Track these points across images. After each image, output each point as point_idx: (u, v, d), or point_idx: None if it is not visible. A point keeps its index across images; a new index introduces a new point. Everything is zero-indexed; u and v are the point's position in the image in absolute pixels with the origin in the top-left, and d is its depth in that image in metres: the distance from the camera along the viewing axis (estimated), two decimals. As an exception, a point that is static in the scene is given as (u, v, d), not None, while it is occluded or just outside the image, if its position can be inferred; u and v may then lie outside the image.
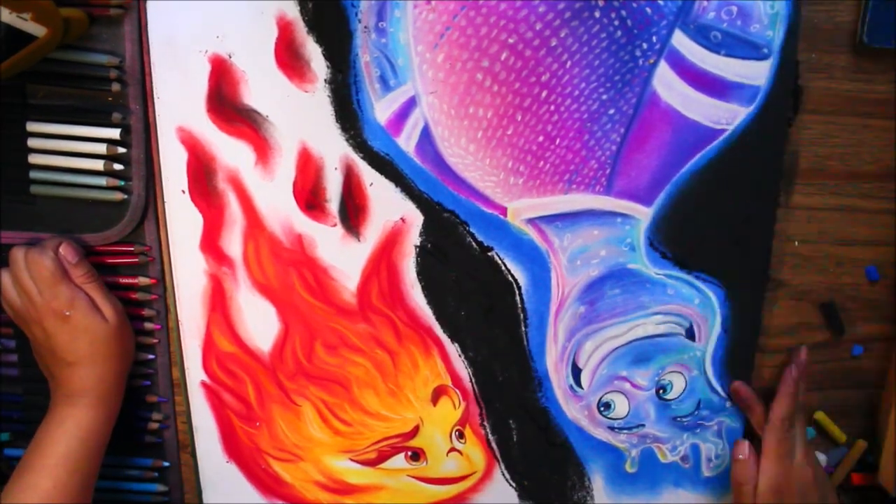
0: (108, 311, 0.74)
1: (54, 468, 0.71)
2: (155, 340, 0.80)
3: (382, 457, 0.84)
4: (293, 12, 0.70)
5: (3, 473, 0.80)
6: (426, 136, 0.73)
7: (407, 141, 0.73)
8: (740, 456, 0.79)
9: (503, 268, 0.78)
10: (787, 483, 0.76)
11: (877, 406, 0.86)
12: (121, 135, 0.73)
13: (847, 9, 0.75)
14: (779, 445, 0.76)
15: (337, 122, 0.73)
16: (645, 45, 0.71)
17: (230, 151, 0.74)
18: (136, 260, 0.77)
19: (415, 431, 0.83)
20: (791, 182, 0.79)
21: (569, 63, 0.71)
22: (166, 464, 0.84)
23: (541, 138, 0.74)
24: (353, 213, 0.76)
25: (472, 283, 0.78)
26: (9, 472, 0.73)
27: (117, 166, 0.74)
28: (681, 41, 0.71)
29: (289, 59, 0.71)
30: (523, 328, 0.80)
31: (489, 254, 0.77)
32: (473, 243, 0.77)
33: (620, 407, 0.83)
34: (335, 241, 0.76)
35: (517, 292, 0.78)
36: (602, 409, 0.82)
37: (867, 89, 0.77)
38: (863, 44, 0.75)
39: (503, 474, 0.85)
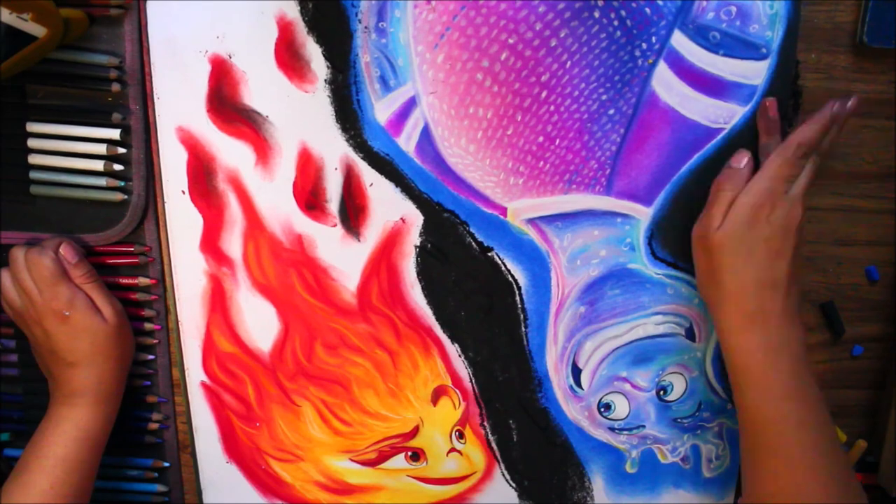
0: (108, 311, 0.74)
1: (52, 468, 0.71)
2: (155, 341, 0.80)
3: (382, 457, 0.84)
4: (293, 12, 0.70)
5: (2, 473, 0.80)
6: (426, 136, 0.73)
7: (407, 141, 0.73)
8: (735, 164, 0.71)
9: (503, 268, 0.78)
10: (769, 207, 0.68)
11: (877, 406, 0.86)
12: (121, 135, 0.73)
13: (847, 9, 0.75)
14: (781, 167, 0.68)
15: (337, 122, 0.73)
16: (644, 46, 0.71)
17: (230, 152, 0.74)
18: (137, 260, 0.77)
19: (415, 431, 0.83)
20: (791, 182, 0.80)
21: (568, 63, 0.72)
22: (166, 464, 0.84)
23: (541, 138, 0.74)
24: (353, 213, 0.76)
25: (472, 283, 0.78)
26: (9, 472, 0.73)
27: (117, 166, 0.74)
28: (680, 41, 0.71)
29: (289, 59, 0.71)
30: (523, 328, 0.80)
31: (489, 254, 0.77)
32: (473, 243, 0.77)
33: (621, 408, 0.83)
34: (335, 242, 0.76)
35: (517, 292, 0.79)
36: (602, 409, 0.82)
37: (867, 89, 0.77)
38: (863, 44, 0.75)
39: (503, 474, 0.85)
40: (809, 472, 0.68)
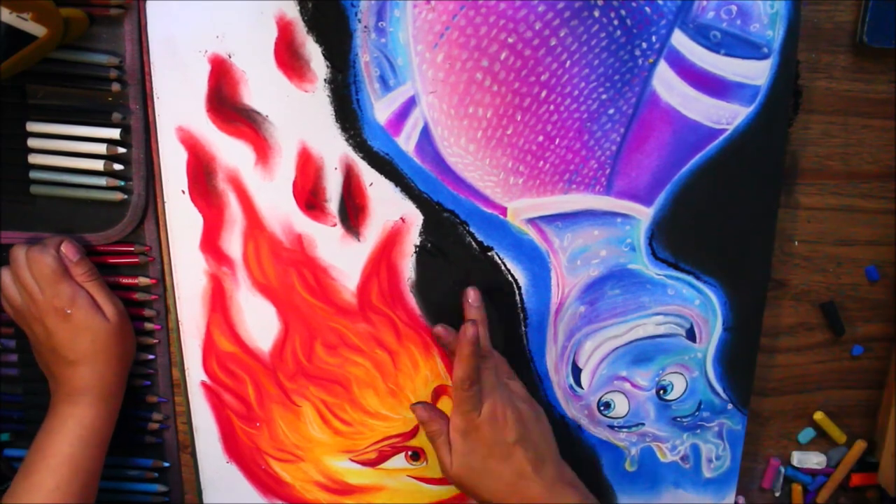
0: (110, 309, 0.74)
1: (58, 468, 0.71)
2: (155, 341, 0.80)
3: (382, 457, 0.84)
4: (293, 12, 0.70)
5: (2, 474, 0.80)
6: (426, 135, 0.73)
7: (406, 141, 0.73)
8: (425, 416, 0.78)
9: (503, 268, 0.78)
10: (474, 431, 0.74)
11: (877, 406, 0.87)
12: (121, 135, 0.73)
13: (847, 9, 0.75)
14: (461, 403, 0.74)
15: (337, 121, 0.73)
16: (644, 45, 0.71)
17: (230, 151, 0.74)
18: (137, 260, 0.77)
19: (415, 431, 0.83)
20: (791, 182, 0.79)
21: (568, 63, 0.72)
22: (166, 464, 0.84)
23: (540, 138, 0.74)
24: (352, 212, 0.76)
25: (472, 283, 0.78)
26: (8, 472, 0.73)
27: (117, 166, 0.74)
28: (680, 41, 0.71)
29: (289, 58, 0.71)
30: (523, 328, 0.80)
31: (489, 253, 0.77)
32: (473, 243, 0.77)
33: (620, 406, 0.83)
34: (335, 241, 0.76)
35: (517, 292, 0.78)
36: (602, 408, 0.82)
37: (867, 89, 0.78)
38: (863, 44, 0.75)
39: (503, 474, 0.85)
40: None
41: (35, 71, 0.70)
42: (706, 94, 0.73)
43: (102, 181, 0.74)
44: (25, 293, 0.72)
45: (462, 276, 0.78)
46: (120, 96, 0.73)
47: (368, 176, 0.74)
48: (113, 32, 0.71)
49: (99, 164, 0.73)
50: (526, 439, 0.74)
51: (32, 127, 0.73)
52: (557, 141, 0.74)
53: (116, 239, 0.76)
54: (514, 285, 0.78)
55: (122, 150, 0.74)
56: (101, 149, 0.73)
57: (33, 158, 0.74)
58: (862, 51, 0.76)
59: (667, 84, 0.73)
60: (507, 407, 0.75)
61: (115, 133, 0.73)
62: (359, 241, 0.76)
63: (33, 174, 0.74)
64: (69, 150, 0.73)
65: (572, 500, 0.74)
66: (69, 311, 0.72)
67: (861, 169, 0.80)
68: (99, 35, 0.71)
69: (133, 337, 0.78)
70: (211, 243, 0.76)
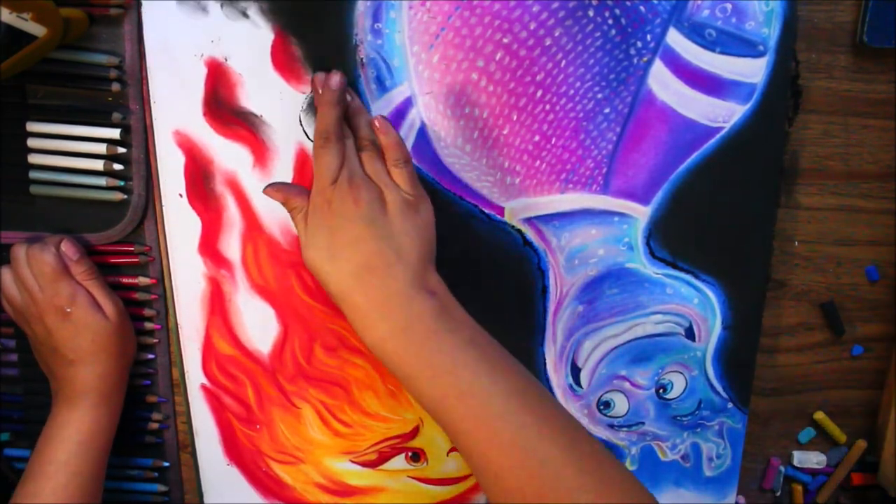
0: (110, 308, 0.74)
1: (54, 474, 0.71)
2: (155, 340, 0.80)
3: (383, 458, 0.84)
4: (289, 14, 0.71)
5: (3, 474, 0.81)
6: (422, 136, 0.73)
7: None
8: (279, 196, 0.69)
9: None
10: (325, 204, 0.65)
11: (877, 406, 0.86)
12: (121, 135, 0.73)
13: (847, 9, 0.75)
14: (316, 159, 0.66)
15: (334, 122, 0.73)
16: (639, 44, 0.72)
17: (228, 154, 0.74)
18: (137, 260, 0.77)
19: (415, 432, 0.83)
20: (791, 182, 0.79)
21: (563, 62, 0.72)
22: (166, 464, 0.84)
23: (537, 138, 0.74)
24: (350, 213, 0.76)
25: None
26: (9, 472, 0.73)
27: (117, 166, 0.74)
28: (675, 39, 0.72)
29: (285, 61, 0.71)
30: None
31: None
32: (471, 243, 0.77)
33: (620, 405, 0.82)
34: (333, 242, 0.76)
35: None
36: (602, 407, 0.82)
37: (867, 89, 0.78)
38: (863, 44, 0.75)
39: (503, 474, 0.84)
40: (492, 441, 0.60)
41: (35, 71, 0.70)
42: (702, 92, 0.73)
43: (102, 181, 0.74)
44: (25, 291, 0.73)
45: (459, 276, 0.77)
46: (120, 96, 0.73)
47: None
48: (113, 32, 0.71)
49: (99, 164, 0.73)
50: (379, 226, 0.65)
51: (32, 127, 0.73)
52: (554, 140, 0.74)
53: (116, 239, 0.77)
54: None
55: (121, 149, 0.74)
56: (101, 149, 0.73)
57: (33, 158, 0.74)
58: (862, 51, 0.76)
59: (662, 83, 0.73)
60: (364, 183, 0.66)
61: (115, 133, 0.73)
62: (357, 242, 0.76)
63: (33, 174, 0.75)
64: (69, 150, 0.74)
65: (422, 308, 0.64)
66: (69, 310, 0.72)
67: (861, 169, 0.80)
68: (99, 35, 0.71)
69: (133, 336, 0.78)
70: (209, 246, 0.76)
